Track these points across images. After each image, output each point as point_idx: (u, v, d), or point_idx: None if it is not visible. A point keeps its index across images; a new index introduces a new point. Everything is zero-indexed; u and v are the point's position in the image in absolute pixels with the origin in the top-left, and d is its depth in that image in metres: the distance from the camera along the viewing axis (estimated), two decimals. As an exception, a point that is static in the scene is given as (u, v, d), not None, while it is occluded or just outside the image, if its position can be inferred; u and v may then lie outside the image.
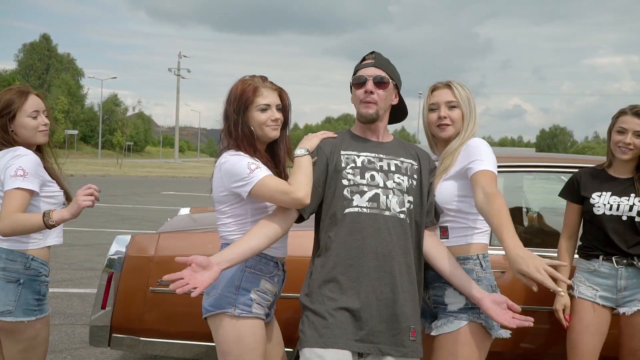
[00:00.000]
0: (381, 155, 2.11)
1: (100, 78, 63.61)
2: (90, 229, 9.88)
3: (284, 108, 2.21)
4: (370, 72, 2.07)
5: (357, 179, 2.03)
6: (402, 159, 2.13)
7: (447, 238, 2.20)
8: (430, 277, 2.20)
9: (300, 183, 1.98)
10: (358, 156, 2.08)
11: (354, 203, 2.01)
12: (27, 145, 2.35)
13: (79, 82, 77.77)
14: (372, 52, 2.15)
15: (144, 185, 22.72)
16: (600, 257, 2.63)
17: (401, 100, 2.21)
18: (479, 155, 2.12)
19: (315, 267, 2.05)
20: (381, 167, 2.07)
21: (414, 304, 2.04)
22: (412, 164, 2.14)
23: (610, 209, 2.61)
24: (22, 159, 2.23)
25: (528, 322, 1.93)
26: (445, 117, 2.25)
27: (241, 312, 2.09)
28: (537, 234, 3.92)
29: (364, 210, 2.00)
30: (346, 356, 1.92)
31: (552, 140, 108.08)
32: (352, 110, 2.28)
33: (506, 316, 1.97)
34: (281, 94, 2.20)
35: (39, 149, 2.45)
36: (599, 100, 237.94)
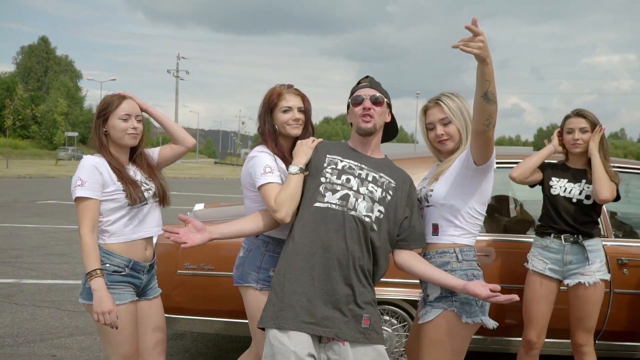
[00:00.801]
0: (363, 166, 2.32)
1: (100, 80, 63.79)
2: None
3: (306, 111, 2.62)
4: (367, 92, 2.35)
5: (334, 178, 2.26)
6: (382, 174, 2.32)
7: (437, 235, 2.36)
8: None
9: (284, 203, 2.23)
10: (341, 161, 2.33)
11: (325, 199, 2.22)
12: (118, 147, 2.53)
13: (78, 85, 77.95)
14: (367, 77, 2.46)
15: (147, 185, 22.98)
16: (552, 235, 3.12)
17: (393, 119, 2.47)
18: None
19: (283, 251, 2.27)
20: (359, 174, 2.28)
21: (368, 294, 2.20)
22: (391, 182, 2.31)
23: (564, 191, 3.13)
24: (81, 169, 2.41)
25: (514, 298, 2.08)
26: (442, 134, 2.41)
27: (262, 286, 2.52)
28: (520, 223, 4.37)
29: (332, 206, 2.20)
30: (304, 338, 2.07)
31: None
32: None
33: (489, 292, 2.13)
34: (303, 98, 2.62)
35: (133, 152, 2.62)
36: (597, 98, 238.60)
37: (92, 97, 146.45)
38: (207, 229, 2.22)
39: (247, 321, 2.68)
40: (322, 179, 2.28)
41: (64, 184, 21.93)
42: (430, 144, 2.52)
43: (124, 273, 2.44)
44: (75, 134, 51.24)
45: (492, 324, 2.28)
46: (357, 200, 2.22)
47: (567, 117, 3.21)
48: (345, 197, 2.22)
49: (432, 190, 2.39)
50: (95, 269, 2.30)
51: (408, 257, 2.34)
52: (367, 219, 2.20)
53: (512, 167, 3.56)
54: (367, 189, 2.25)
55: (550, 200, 3.17)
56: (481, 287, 2.15)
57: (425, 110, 2.49)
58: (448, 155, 2.47)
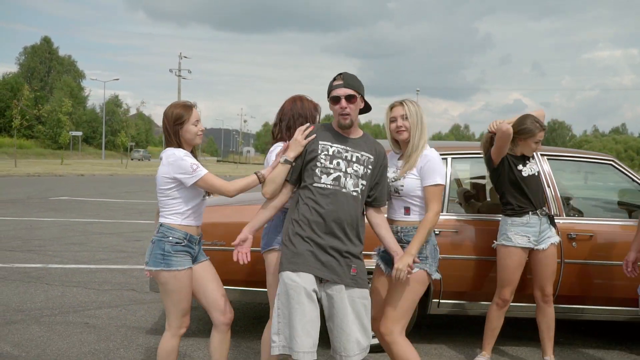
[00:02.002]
0: (348, 148, 2.92)
1: (102, 80, 64.41)
2: (113, 220, 10.92)
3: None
4: (342, 92, 2.86)
5: (327, 163, 2.87)
6: (362, 152, 2.94)
7: (409, 215, 3.06)
8: None
9: (268, 183, 2.97)
10: (331, 146, 2.91)
11: (322, 180, 2.86)
12: (188, 146, 3.07)
13: (81, 84, 78.55)
14: (341, 74, 2.93)
15: (152, 183, 23.60)
16: (530, 213, 3.76)
17: (366, 103, 3.00)
18: (431, 170, 3.00)
19: (288, 220, 2.95)
20: (346, 157, 2.90)
21: (357, 250, 2.91)
22: (369, 157, 2.95)
23: (531, 170, 3.80)
24: (186, 159, 2.94)
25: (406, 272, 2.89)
26: (401, 126, 3.06)
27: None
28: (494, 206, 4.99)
29: (328, 186, 2.85)
30: (310, 278, 2.78)
31: (551, 134, 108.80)
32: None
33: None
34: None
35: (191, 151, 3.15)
36: (599, 94, 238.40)
37: (95, 96, 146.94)
38: (246, 237, 2.93)
39: (258, 289, 3.20)
40: (318, 164, 2.88)
41: (72, 182, 22.60)
42: (390, 133, 3.15)
43: (184, 244, 3.00)
44: (80, 133, 51.87)
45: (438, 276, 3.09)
46: (346, 179, 2.87)
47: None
48: (337, 179, 2.86)
49: (402, 186, 3.07)
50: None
51: (375, 215, 3.05)
52: (354, 193, 2.88)
53: (481, 157, 4.22)
54: (352, 169, 2.89)
55: (521, 183, 3.76)
56: (399, 263, 2.88)
57: (391, 107, 3.14)
58: (403, 145, 3.14)
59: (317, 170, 2.88)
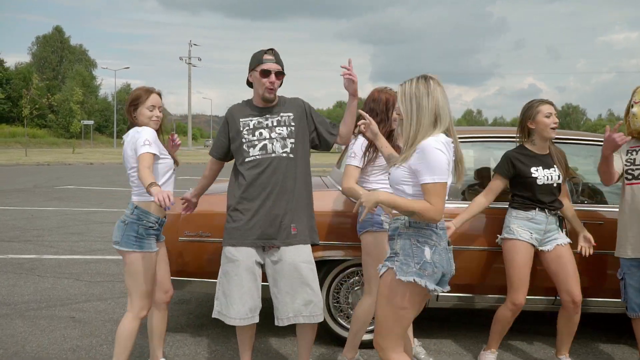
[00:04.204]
0: (267, 116, 3.09)
1: (114, 68, 64.48)
2: (115, 209, 10.78)
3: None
4: (274, 67, 3.02)
5: (250, 137, 3.06)
6: (281, 114, 3.10)
7: None
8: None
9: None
10: (251, 121, 3.09)
11: (251, 153, 3.04)
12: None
13: (92, 73, 78.77)
14: (272, 49, 3.07)
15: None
16: (536, 209, 3.46)
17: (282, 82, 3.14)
18: (425, 167, 2.37)
19: (233, 196, 3.11)
20: (267, 125, 3.07)
21: (300, 213, 3.06)
22: (289, 116, 3.11)
23: (548, 179, 3.46)
24: (146, 131, 3.00)
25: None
26: (397, 114, 2.54)
27: (377, 229, 3.28)
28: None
29: (257, 156, 3.03)
30: (249, 251, 3.02)
31: (565, 119, 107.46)
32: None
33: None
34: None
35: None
36: (615, 77, 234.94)
37: (107, 85, 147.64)
38: (189, 196, 3.44)
39: None
40: (243, 140, 3.06)
41: (81, 171, 22.58)
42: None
43: (155, 228, 3.09)
44: (91, 122, 52.02)
45: (433, 287, 2.41)
46: (272, 144, 3.03)
47: (540, 103, 3.49)
48: (264, 147, 3.03)
49: (389, 173, 2.63)
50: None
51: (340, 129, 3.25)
52: (284, 154, 3.03)
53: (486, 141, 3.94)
54: (276, 132, 3.05)
55: (531, 188, 3.45)
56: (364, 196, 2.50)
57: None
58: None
59: (244, 147, 3.05)
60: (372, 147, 3.29)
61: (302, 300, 3.00)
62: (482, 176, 5.05)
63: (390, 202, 2.41)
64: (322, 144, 3.26)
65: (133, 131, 3.08)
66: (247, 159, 3.03)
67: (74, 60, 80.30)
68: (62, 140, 57.82)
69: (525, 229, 3.46)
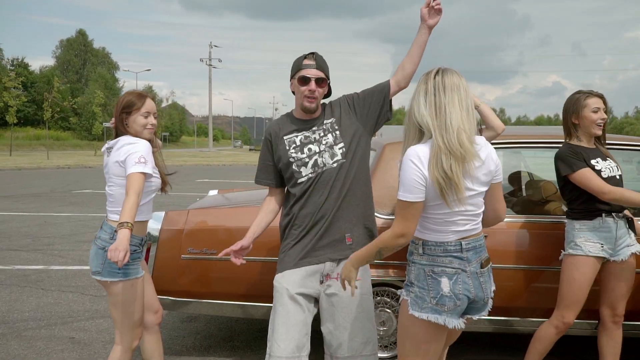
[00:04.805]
0: (314, 128, 2.69)
1: (135, 71, 64.92)
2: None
3: None
4: (313, 72, 2.62)
5: (300, 154, 2.66)
6: (325, 121, 2.71)
7: None
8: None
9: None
10: (297, 136, 2.69)
11: (303, 173, 2.64)
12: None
13: (115, 76, 79.53)
14: (313, 54, 2.67)
15: (180, 173, 23.46)
16: (603, 215, 3.01)
17: (329, 88, 2.74)
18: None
19: (286, 225, 2.73)
20: (314, 138, 2.67)
21: (354, 218, 2.65)
22: (332, 122, 2.70)
23: (611, 171, 3.02)
24: (142, 146, 2.63)
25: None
26: None
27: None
28: (529, 204, 4.30)
29: (311, 175, 2.63)
30: (294, 278, 2.62)
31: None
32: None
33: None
34: None
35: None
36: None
37: (129, 87, 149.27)
38: (248, 245, 2.77)
39: (258, 304, 3.17)
40: (291, 159, 2.66)
41: (100, 174, 22.53)
42: None
43: (139, 251, 2.73)
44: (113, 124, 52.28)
45: (454, 325, 2.13)
46: (322, 157, 2.63)
47: (588, 96, 3.07)
48: (315, 164, 2.63)
49: None
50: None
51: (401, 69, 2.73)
52: (335, 164, 2.62)
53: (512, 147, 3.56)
54: (323, 143, 2.66)
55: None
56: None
57: None
58: None
59: (294, 167, 2.67)
60: None
61: (362, 338, 2.58)
62: (512, 182, 4.67)
63: (360, 261, 2.25)
64: (381, 116, 2.73)
65: (125, 142, 2.67)
66: (299, 180, 2.65)
67: (97, 63, 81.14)
68: (85, 142, 58.41)
69: (594, 241, 3.01)
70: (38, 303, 4.96)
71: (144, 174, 2.56)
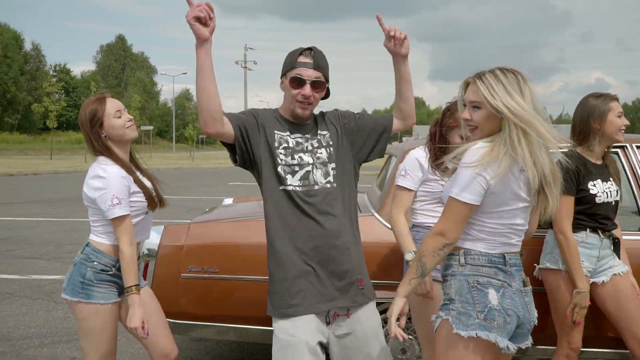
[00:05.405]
0: (307, 136, 2.25)
1: (172, 74, 65.78)
2: (157, 219, 10.39)
3: None
4: (309, 73, 2.14)
5: (289, 159, 2.18)
6: (319, 131, 2.27)
7: None
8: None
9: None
10: (290, 137, 2.22)
11: (288, 182, 2.17)
12: (121, 145, 2.48)
13: (153, 80, 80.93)
14: (311, 49, 2.18)
15: (214, 176, 23.50)
16: (588, 230, 2.69)
17: (327, 90, 2.27)
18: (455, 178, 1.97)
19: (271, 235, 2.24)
20: (307, 147, 2.22)
21: (359, 259, 2.27)
22: (327, 136, 2.27)
23: (608, 196, 2.70)
24: (112, 181, 2.34)
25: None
26: (468, 119, 2.01)
27: None
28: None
29: (297, 189, 2.16)
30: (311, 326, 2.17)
31: (636, 114, 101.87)
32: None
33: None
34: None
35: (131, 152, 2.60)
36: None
37: (167, 91, 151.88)
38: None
39: (262, 327, 2.89)
40: (279, 160, 2.19)
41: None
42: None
43: (111, 273, 2.42)
44: (150, 127, 53.09)
45: (505, 345, 1.87)
46: (314, 173, 2.20)
47: (611, 99, 2.72)
48: (305, 176, 2.18)
49: (442, 186, 2.17)
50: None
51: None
52: (327, 185, 2.20)
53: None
54: (316, 156, 2.22)
55: (589, 207, 2.69)
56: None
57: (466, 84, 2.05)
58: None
59: (279, 170, 2.18)
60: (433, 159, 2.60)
61: None
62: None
63: (406, 285, 1.99)
64: (374, 151, 2.36)
65: (93, 174, 2.38)
66: (281, 187, 2.18)
67: (136, 68, 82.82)
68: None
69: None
70: (47, 318, 4.76)
71: (124, 215, 2.34)
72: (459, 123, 2.38)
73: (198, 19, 1.92)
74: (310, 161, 2.21)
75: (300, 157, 2.20)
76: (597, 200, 2.67)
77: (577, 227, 2.69)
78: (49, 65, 69.97)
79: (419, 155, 2.69)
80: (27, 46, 68.23)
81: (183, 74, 71.00)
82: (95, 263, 2.39)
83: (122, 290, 2.44)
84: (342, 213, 2.21)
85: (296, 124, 2.26)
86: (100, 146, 2.43)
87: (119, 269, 2.41)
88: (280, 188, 2.17)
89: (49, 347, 4.09)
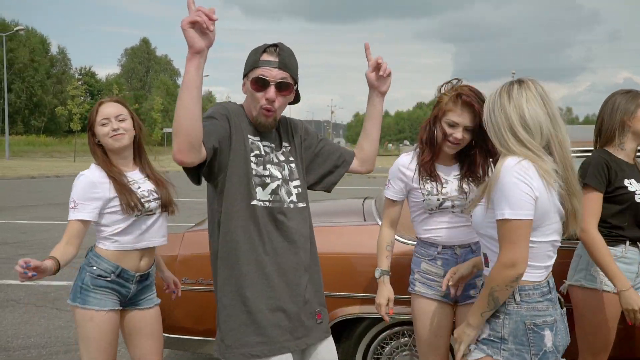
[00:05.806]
0: (272, 145, 2.02)
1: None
2: (172, 223, 10.29)
3: None
4: (275, 73, 1.89)
5: (260, 169, 1.94)
6: (283, 143, 2.07)
7: (488, 267, 1.90)
8: None
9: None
10: (262, 144, 1.99)
11: (258, 196, 1.92)
12: (115, 152, 2.46)
13: (176, 82, 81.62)
14: (276, 46, 1.92)
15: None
16: (627, 242, 2.43)
17: (297, 94, 2.04)
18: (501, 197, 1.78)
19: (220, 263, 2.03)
20: (272, 159, 2.00)
21: (320, 287, 2.10)
22: (289, 148, 2.08)
23: None
24: (78, 184, 2.40)
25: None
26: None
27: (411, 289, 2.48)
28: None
29: (266, 204, 1.93)
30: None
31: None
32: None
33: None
34: None
35: (139, 154, 2.60)
36: None
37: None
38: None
39: None
40: (251, 169, 1.92)
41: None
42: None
43: (109, 279, 2.37)
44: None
45: None
46: (281, 189, 1.97)
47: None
48: (275, 191, 1.95)
49: (470, 216, 1.98)
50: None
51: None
52: (291, 205, 1.98)
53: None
54: (284, 171, 2.01)
55: (628, 208, 2.43)
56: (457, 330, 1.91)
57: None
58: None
59: (252, 181, 1.91)
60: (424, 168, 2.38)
61: None
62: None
63: (476, 316, 1.82)
64: (323, 182, 2.19)
65: (83, 172, 2.46)
66: (252, 202, 1.91)
67: (160, 70, 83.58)
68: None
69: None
70: (47, 326, 4.63)
71: (79, 220, 2.35)
72: (444, 111, 2.28)
73: (193, 25, 1.61)
74: (279, 175, 1.98)
75: (269, 168, 1.97)
76: (637, 198, 2.40)
77: (615, 240, 2.43)
78: (74, 68, 71.14)
79: (403, 162, 2.46)
80: (54, 50, 69.46)
81: (205, 76, 71.48)
82: (94, 268, 2.36)
83: (124, 300, 2.42)
84: (304, 236, 2.02)
85: (261, 132, 2.01)
86: (91, 149, 2.46)
87: (119, 276, 2.38)
88: (252, 203, 1.91)
89: (46, 358, 3.95)
